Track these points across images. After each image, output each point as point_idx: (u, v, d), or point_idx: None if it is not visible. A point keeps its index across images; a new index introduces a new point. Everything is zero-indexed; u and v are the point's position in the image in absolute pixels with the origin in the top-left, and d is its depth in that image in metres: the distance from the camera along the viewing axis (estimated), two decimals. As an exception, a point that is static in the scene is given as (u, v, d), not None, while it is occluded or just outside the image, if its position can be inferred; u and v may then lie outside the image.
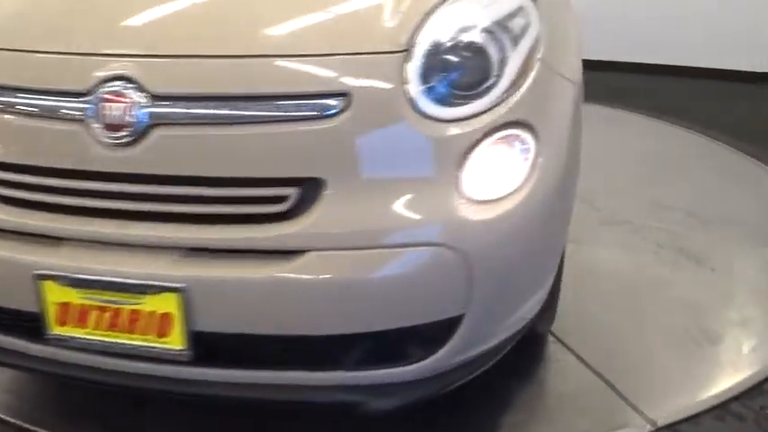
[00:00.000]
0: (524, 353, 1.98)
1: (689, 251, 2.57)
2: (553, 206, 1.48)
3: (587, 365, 1.96)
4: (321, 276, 1.30)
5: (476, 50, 1.38)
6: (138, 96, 1.31)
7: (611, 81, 4.59)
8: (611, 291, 2.33)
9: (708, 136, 3.87)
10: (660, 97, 4.58)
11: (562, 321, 2.12)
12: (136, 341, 1.37)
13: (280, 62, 1.32)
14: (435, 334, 1.38)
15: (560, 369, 1.97)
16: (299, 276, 1.30)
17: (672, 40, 4.88)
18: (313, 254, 1.30)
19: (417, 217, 1.32)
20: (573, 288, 2.31)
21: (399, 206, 1.32)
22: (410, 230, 1.32)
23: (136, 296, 1.34)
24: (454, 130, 1.35)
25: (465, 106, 1.37)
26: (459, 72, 1.37)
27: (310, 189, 1.31)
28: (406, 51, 1.33)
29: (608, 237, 2.74)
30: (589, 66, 1.76)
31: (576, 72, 1.65)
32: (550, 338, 2.07)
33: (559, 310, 2.16)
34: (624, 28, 4.93)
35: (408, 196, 1.33)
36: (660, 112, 4.22)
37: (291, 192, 1.31)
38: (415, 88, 1.33)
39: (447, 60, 1.36)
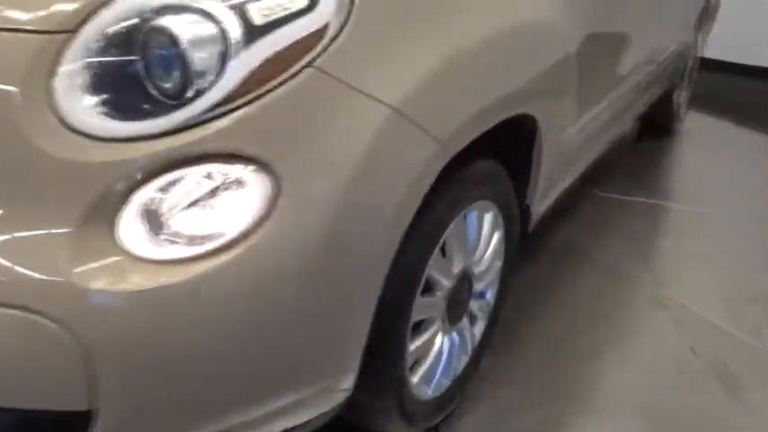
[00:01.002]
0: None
1: (729, 369, 1.79)
2: (285, 288, 1.00)
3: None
4: None
5: (170, 40, 0.94)
6: None
7: None
8: (580, 404, 1.68)
9: None
10: None
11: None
12: None
13: None
14: (55, 428, 1.00)
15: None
16: None
17: None
18: None
19: (19, 266, 0.93)
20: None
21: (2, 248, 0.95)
22: (6, 283, 0.94)
23: None
24: (117, 153, 0.94)
25: (143, 121, 0.95)
26: (143, 71, 0.95)
27: None
28: (71, 33, 0.94)
29: (644, 321, 2.03)
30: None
31: (414, 96, 1.10)
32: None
33: (486, 412, 1.60)
34: None
35: (21, 237, 0.94)
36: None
37: None
38: (65, 87, 0.94)
39: (124, 52, 0.94)
